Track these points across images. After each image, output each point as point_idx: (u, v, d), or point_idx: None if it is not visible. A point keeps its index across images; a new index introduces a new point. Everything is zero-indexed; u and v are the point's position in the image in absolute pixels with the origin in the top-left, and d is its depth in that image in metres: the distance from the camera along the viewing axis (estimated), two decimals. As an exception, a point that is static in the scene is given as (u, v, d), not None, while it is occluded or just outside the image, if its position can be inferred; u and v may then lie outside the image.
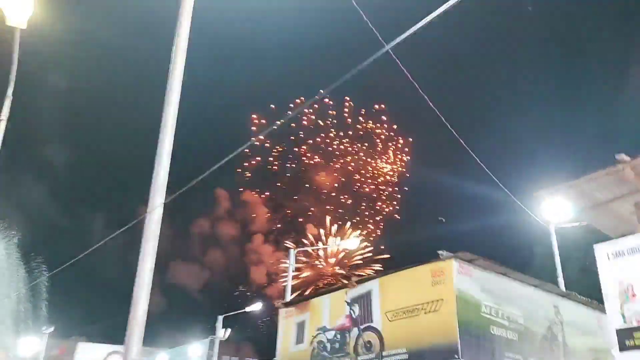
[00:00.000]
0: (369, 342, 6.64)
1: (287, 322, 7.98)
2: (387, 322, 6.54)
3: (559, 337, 6.82)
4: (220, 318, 17.58)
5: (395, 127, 45.19)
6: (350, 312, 7.05)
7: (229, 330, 17.84)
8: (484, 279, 6.31)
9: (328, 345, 7.16)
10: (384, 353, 6.40)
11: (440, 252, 6.19)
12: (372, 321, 6.73)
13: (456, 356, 5.62)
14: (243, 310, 18.46)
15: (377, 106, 45.42)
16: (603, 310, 7.58)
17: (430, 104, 6.70)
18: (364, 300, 6.94)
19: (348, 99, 45.25)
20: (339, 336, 7.07)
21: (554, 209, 11.73)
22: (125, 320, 4.50)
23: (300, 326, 7.73)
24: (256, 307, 18.45)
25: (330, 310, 7.39)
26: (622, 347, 4.41)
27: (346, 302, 7.16)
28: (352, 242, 13.04)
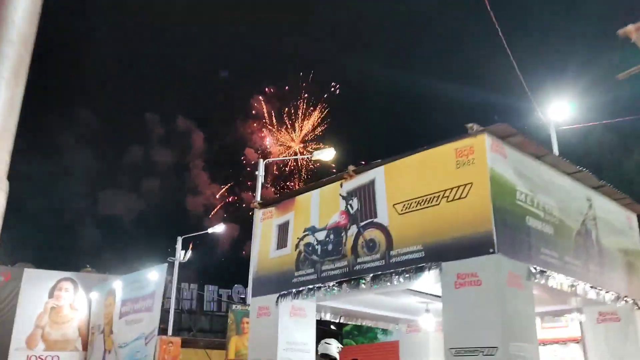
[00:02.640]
0: (372, 240, 5.39)
1: (265, 224, 6.64)
2: (395, 216, 5.28)
3: (592, 235, 5.79)
4: (180, 239, 16.25)
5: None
6: (346, 207, 5.74)
7: (189, 252, 16.58)
8: (518, 161, 5.07)
9: (318, 248, 5.88)
10: (392, 252, 5.17)
11: (468, 125, 4.85)
12: (375, 216, 5.45)
13: (491, 250, 4.43)
14: (205, 232, 17.16)
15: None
16: (635, 210, 6.62)
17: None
18: (365, 192, 5.63)
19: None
20: (332, 236, 5.79)
21: (557, 110, 10.71)
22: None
23: (282, 228, 6.41)
24: (219, 227, 17.11)
25: (320, 207, 6.07)
26: None
27: (341, 196, 5.83)
28: (327, 153, 11.65)
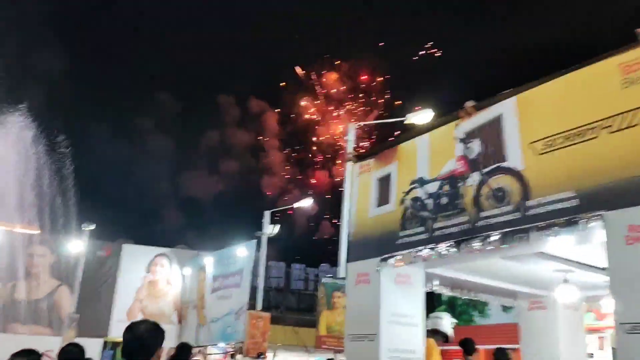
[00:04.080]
0: (500, 189, 4.30)
1: (362, 179, 5.74)
2: (532, 157, 4.15)
3: None
4: (267, 214, 15.87)
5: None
6: (464, 152, 4.69)
7: (277, 226, 16.16)
8: None
9: (429, 202, 4.89)
10: (530, 203, 4.07)
11: (639, 29, 3.60)
12: (503, 159, 4.36)
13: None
14: (291, 206, 16.67)
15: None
16: None
17: None
18: (489, 132, 4.54)
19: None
20: (446, 187, 4.77)
21: None
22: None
23: (383, 182, 5.48)
24: (306, 202, 16.48)
25: (430, 155, 5.05)
26: None
27: (457, 139, 4.78)
28: (424, 115, 10.48)
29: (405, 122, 10.93)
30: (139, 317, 21.60)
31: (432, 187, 4.89)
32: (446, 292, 6.34)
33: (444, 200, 4.75)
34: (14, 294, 18.13)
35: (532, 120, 4.26)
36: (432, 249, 4.73)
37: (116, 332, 19.68)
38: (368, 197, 5.57)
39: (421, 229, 4.90)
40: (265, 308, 19.18)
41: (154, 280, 22.41)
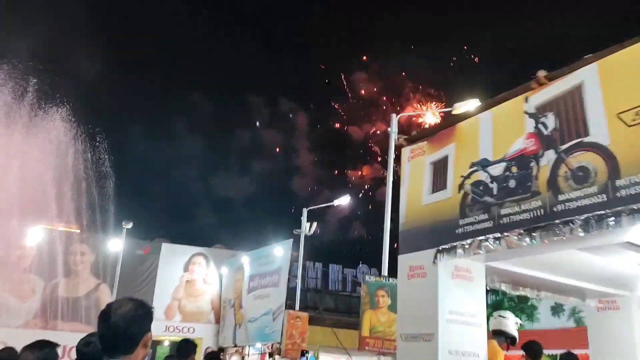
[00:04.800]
0: (582, 168, 3.74)
1: (414, 164, 5.24)
2: (621, 129, 3.58)
3: None
4: (305, 211, 15.49)
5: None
6: (536, 127, 4.14)
7: (315, 224, 15.76)
8: None
9: (494, 186, 4.35)
10: (620, 182, 3.49)
11: None
12: (586, 134, 3.79)
13: None
14: (330, 204, 16.24)
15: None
16: None
17: None
18: (566, 104, 3.98)
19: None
20: (514, 169, 4.23)
21: None
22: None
23: (439, 166, 4.97)
24: (344, 199, 16.01)
25: (493, 134, 4.52)
26: None
27: (527, 113, 4.23)
28: (470, 104, 9.86)
29: (453, 113, 10.33)
30: (177, 316, 21.61)
31: (498, 169, 4.35)
32: (505, 290, 5.76)
33: (512, 183, 4.20)
34: (56, 292, 18.37)
35: (618, 88, 3.68)
36: (497, 239, 4.19)
37: (155, 331, 19.70)
38: (421, 183, 5.07)
39: (484, 216, 4.37)
40: (302, 308, 18.83)
41: (192, 280, 22.40)
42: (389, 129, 10.14)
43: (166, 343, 20.94)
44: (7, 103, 14.69)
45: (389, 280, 9.45)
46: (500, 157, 4.37)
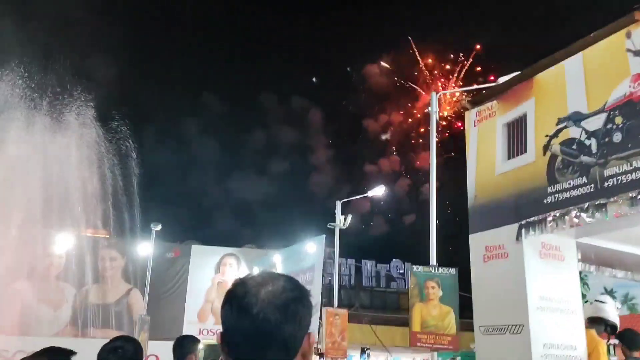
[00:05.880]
0: None
1: (482, 129, 4.50)
2: None
3: None
4: (339, 203, 14.79)
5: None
6: (646, 66, 3.35)
7: (349, 217, 15.03)
8: None
9: (591, 143, 3.59)
10: None
11: None
12: None
13: None
14: (364, 195, 15.51)
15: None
16: None
17: None
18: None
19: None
20: (619, 119, 3.46)
21: None
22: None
23: (515, 127, 4.22)
24: (379, 190, 15.24)
25: (586, 81, 3.75)
26: None
27: (630, 51, 3.45)
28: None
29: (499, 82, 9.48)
30: (209, 318, 21.18)
31: (596, 122, 3.59)
32: (591, 271, 4.96)
33: (617, 137, 3.43)
34: (87, 299, 18.13)
35: None
36: (601, 206, 3.43)
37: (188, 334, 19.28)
38: (493, 149, 4.33)
39: (582, 179, 3.61)
40: (338, 306, 18.17)
41: (224, 281, 21.95)
42: (429, 108, 9.37)
43: (200, 346, 20.55)
44: (30, 111, 14.46)
45: (438, 270, 8.68)
46: (599, 107, 3.60)
